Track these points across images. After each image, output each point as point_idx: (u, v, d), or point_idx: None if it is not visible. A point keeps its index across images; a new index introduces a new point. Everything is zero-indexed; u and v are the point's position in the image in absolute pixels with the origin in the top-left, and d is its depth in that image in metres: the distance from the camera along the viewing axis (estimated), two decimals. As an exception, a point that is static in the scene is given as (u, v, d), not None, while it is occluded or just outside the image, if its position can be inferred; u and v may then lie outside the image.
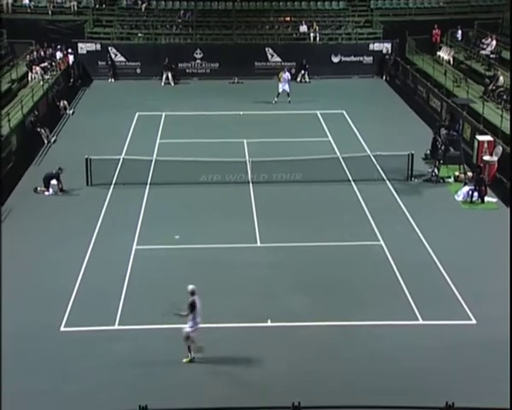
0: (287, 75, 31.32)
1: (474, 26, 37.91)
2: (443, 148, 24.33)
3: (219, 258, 18.22)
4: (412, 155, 23.57)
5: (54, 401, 12.89)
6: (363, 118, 30.73)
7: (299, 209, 21.43)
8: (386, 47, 38.30)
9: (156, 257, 18.19)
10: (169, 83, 36.64)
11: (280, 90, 31.36)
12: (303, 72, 37.11)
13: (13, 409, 12.30)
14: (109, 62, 37.05)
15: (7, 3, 38.52)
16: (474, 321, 15.35)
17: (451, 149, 24.21)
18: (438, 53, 37.33)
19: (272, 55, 38.02)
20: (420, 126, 29.51)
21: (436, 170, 23.87)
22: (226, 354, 14.28)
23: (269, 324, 15.34)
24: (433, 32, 38.20)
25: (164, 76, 36.54)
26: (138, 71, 37.51)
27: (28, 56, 34.34)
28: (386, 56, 37.85)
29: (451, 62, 35.79)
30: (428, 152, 25.33)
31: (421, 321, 15.45)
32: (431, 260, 18.11)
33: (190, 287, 13.63)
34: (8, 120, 25.57)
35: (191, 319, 13.52)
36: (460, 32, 37.85)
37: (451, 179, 23.56)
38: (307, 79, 37.32)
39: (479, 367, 13.88)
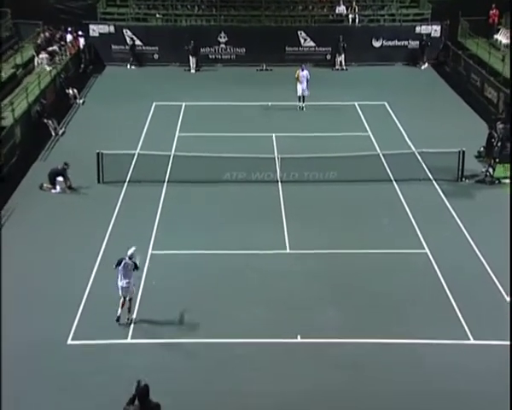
0: (306, 73, 29.72)
1: (538, 6, 37.56)
2: (499, 144, 24.14)
3: (244, 266, 18.37)
4: (463, 152, 23.45)
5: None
6: (408, 110, 30.61)
7: (333, 212, 21.48)
8: (434, 30, 38.04)
9: (174, 263, 18.42)
10: (190, 70, 37.02)
11: (300, 93, 29.85)
12: (341, 56, 37.03)
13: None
14: (130, 46, 37.30)
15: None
16: (532, 342, 15.24)
17: (509, 146, 24.03)
18: (495, 36, 36.98)
19: (305, 40, 38.09)
20: (473, 120, 29.30)
21: (491, 169, 23.70)
22: (251, 373, 14.39)
23: (299, 340, 15.42)
24: (490, 12, 37.78)
25: (191, 61, 36.84)
26: (156, 56, 37.90)
27: (36, 39, 34.88)
28: (424, 39, 37.11)
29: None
30: (482, 149, 25.17)
31: (472, 341, 15.39)
32: (484, 271, 18.00)
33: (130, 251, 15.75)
34: (12, 110, 25.88)
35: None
36: (521, 12, 37.54)
37: (508, 180, 23.40)
38: (344, 66, 37.36)
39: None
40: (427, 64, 37.47)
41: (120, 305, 15.96)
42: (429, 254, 18.92)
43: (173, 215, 21.03)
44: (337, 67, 37.39)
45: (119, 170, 23.28)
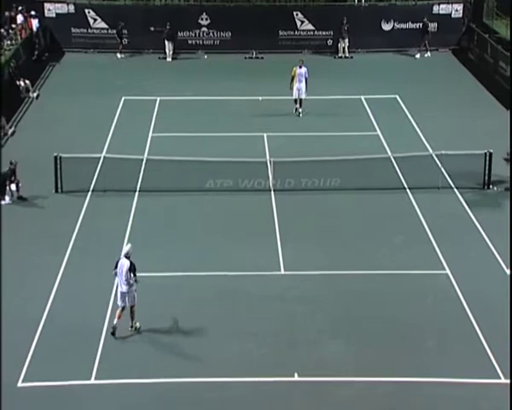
0: (304, 71, 28.71)
1: None
2: (532, 145, 24.28)
3: (231, 290, 18.39)
4: (490, 154, 23.61)
5: None
6: (424, 105, 30.83)
7: (335, 227, 21.55)
8: (455, 9, 38.40)
9: (147, 288, 18.26)
10: (166, 57, 37.14)
11: (295, 95, 28.97)
12: (345, 42, 37.25)
13: None
14: (117, 30, 37.00)
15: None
16: None
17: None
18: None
19: (302, 22, 38.33)
20: (501, 117, 29.44)
21: (523, 175, 23.85)
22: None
23: (296, 378, 15.40)
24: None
25: (167, 48, 37.00)
26: (125, 42, 37.98)
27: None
28: (425, 20, 37.09)
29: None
30: (512, 151, 25.35)
31: (502, 379, 15.41)
32: (515, 296, 18.10)
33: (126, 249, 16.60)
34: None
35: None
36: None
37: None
38: (348, 53, 37.58)
39: None
40: (429, 53, 37.24)
41: (117, 315, 16.53)
42: (450, 275, 18.99)
43: (146, 231, 21.02)
44: (340, 54, 37.64)
45: (80, 177, 23.29)
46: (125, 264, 16.46)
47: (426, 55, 37.32)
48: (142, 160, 24.66)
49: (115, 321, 16.54)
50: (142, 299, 17.34)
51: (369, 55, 37.75)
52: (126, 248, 16.76)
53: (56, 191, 23.19)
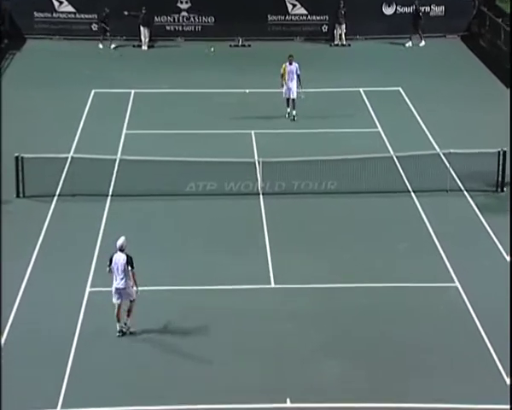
0: (295, 67, 28.32)
1: None
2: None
3: (215, 306, 18.42)
4: (504, 153, 23.76)
5: None
6: (430, 98, 31.01)
7: (331, 234, 21.66)
8: (465, -10, 38.67)
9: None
10: (141, 45, 37.21)
11: (286, 94, 28.61)
12: (342, 28, 37.42)
13: None
14: (102, 17, 36.89)
15: None
16: None
17: None
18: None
19: (294, 6, 38.51)
20: (516, 111, 29.64)
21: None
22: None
23: (288, 405, 15.43)
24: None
25: (143, 34, 37.10)
26: (95, 28, 38.03)
27: None
28: (416, 3, 37.19)
29: None
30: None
31: (519, 404, 15.52)
32: (533, 311, 18.19)
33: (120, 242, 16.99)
34: None
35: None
36: None
37: None
38: (344, 41, 37.76)
39: None
40: (423, 42, 37.40)
41: (116, 316, 17.07)
42: (460, 289, 19.09)
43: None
44: (336, 41, 37.84)
45: (45, 180, 23.29)
46: (120, 258, 16.88)
47: (421, 45, 37.48)
48: (115, 160, 24.69)
49: (118, 326, 17.07)
50: (107, 319, 17.37)
51: (369, 42, 37.98)
52: (120, 240, 17.10)
53: (18, 196, 23.18)
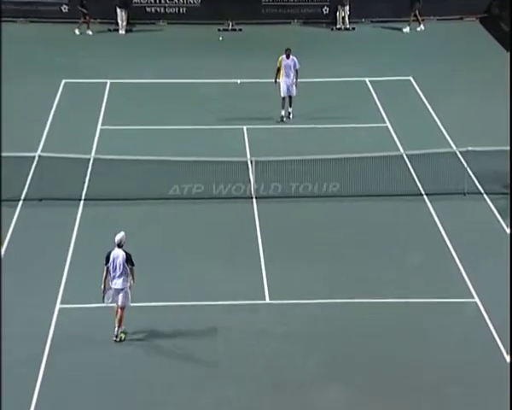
0: (293, 61, 27.84)
1: None
2: None
3: (203, 324, 18.45)
4: (528, 151, 23.90)
5: None
6: (445, 89, 31.13)
7: (333, 243, 21.72)
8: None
9: (95, 322, 18.41)
10: (118, 29, 37.33)
11: (284, 92, 28.11)
12: (345, 10, 37.59)
13: None
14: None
15: None
16: None
17: None
18: None
19: (291, -16, 38.67)
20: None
21: None
22: None
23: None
24: None
25: (120, 17, 37.25)
26: (65, 9, 38.11)
27: None
28: None
29: None
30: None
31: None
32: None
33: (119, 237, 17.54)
34: None
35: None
36: None
37: None
38: (348, 24, 37.92)
39: None
40: (422, 26, 37.63)
41: (115, 318, 17.70)
42: (480, 304, 19.13)
43: (93, 251, 20.78)
44: (339, 25, 37.99)
45: (9, 182, 23.29)
46: (119, 255, 17.46)
47: (418, 29, 37.66)
48: (89, 160, 24.74)
49: (116, 329, 17.61)
50: (89, 338, 17.46)
51: (376, 26, 38.14)
52: (119, 235, 17.64)
53: (-21, 200, 23.18)
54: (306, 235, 22.11)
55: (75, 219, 22.51)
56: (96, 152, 25.73)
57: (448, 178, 24.04)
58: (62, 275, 20.09)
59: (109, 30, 37.43)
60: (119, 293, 17.57)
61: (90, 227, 22.25)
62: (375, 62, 33.57)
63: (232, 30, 37.77)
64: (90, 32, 37.13)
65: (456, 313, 19.01)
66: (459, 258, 20.92)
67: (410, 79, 32.00)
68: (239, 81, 31.70)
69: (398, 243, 21.79)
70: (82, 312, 18.63)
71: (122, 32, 37.37)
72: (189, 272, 20.36)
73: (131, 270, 17.59)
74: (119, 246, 17.53)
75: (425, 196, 23.74)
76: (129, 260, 17.52)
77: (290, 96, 28.30)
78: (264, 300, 19.40)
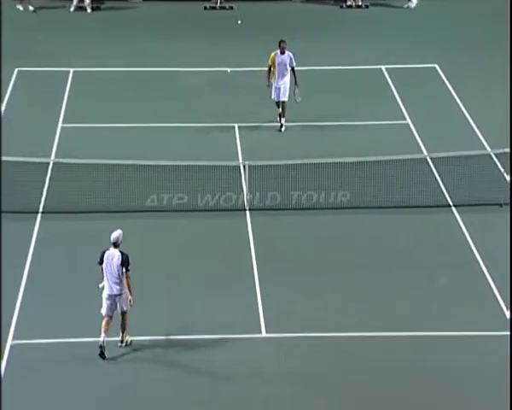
0: (288, 57, 27.36)
1: None
2: None
3: (188, 361, 18.40)
4: None
5: None
6: (478, 79, 31.19)
7: (342, 264, 21.71)
8: None
9: (61, 360, 18.37)
10: (83, 7, 37.33)
11: (275, 96, 27.63)
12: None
13: None
14: None
15: None
16: None
17: None
18: None
19: (292, -48, 38.75)
20: None
21: None
22: None
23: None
24: None
25: None
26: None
27: None
28: None
29: None
30: None
31: None
32: None
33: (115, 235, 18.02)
34: None
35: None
36: None
37: None
38: (360, 1, 38.09)
39: None
40: (414, 1, 38.06)
41: (103, 328, 18.05)
42: (519, 337, 19.18)
43: (53, 274, 21.00)
44: (349, 2, 38.15)
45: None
46: (114, 256, 17.85)
47: (406, 6, 38.08)
48: (48, 164, 24.82)
49: (102, 337, 17.89)
50: (51, 376, 17.46)
51: (392, 4, 38.27)
52: (116, 233, 18.19)
53: None
54: (310, 255, 22.11)
55: (31, 237, 22.48)
56: (57, 155, 25.82)
57: (481, 185, 24.07)
58: (15, 305, 19.98)
59: (70, 9, 37.25)
60: (115, 299, 17.93)
61: (50, 245, 22.22)
62: (393, 47, 33.73)
63: (221, 8, 37.92)
64: (31, 8, 37.22)
65: (492, 349, 18.88)
66: (494, 282, 20.89)
67: (436, 66, 32.16)
68: (229, 70, 31.85)
69: (421, 264, 21.78)
70: (36, 350, 18.60)
71: (88, 10, 37.36)
72: (171, 301, 20.31)
73: (126, 276, 17.90)
74: (116, 245, 17.87)
75: (453, 208, 23.81)
76: (125, 262, 17.84)
77: (283, 102, 27.53)
78: (260, 333, 19.38)
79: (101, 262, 18.03)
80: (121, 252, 17.93)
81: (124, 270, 17.91)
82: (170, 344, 19.00)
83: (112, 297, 17.94)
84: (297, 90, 27.51)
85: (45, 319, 19.50)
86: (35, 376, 17.92)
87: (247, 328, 19.47)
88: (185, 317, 19.81)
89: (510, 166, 24.05)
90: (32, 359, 18.38)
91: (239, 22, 35.82)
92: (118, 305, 18.03)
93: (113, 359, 18.28)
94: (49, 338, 18.88)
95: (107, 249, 18.02)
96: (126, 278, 17.99)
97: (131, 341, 18.45)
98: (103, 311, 18.11)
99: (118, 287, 17.91)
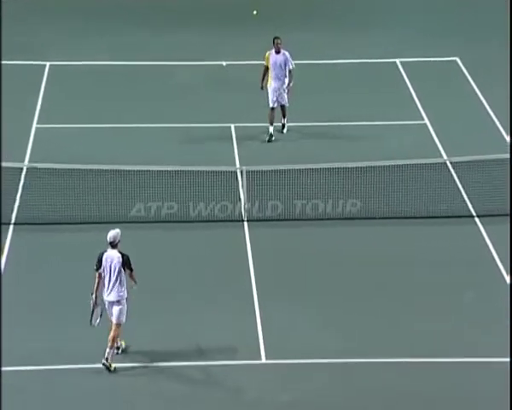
0: (284, 57, 27.61)
1: None
2: None
3: (179, 390, 18.38)
4: None
5: None
6: (503, 74, 31.13)
7: (350, 281, 21.76)
8: None
9: (26, 389, 18.32)
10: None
11: (273, 102, 27.73)
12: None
13: None
14: None
15: None
16: None
17: None
18: None
19: None
20: None
21: None
22: None
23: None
24: None
25: None
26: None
27: None
28: None
29: None
30: None
31: None
32: None
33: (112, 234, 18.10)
34: None
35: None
36: None
37: None
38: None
39: None
40: None
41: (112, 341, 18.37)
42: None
43: (29, 296, 21.02)
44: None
45: None
46: (113, 257, 17.92)
47: None
48: (21, 169, 24.89)
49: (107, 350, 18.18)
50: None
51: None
52: (112, 232, 18.15)
53: None
54: (315, 272, 22.12)
55: (2, 251, 22.46)
56: (31, 159, 25.97)
57: (507, 193, 24.02)
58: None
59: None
60: (113, 306, 18.08)
61: (24, 260, 22.24)
62: (409, 38, 33.76)
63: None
64: None
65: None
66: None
67: (457, 60, 32.26)
68: (224, 63, 31.94)
69: (439, 279, 21.78)
70: (23, 375, 18.61)
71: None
72: (160, 322, 20.23)
73: (131, 275, 18.11)
74: (113, 246, 17.92)
75: (476, 218, 23.86)
76: (127, 263, 17.93)
77: (283, 106, 27.80)
78: (260, 359, 19.34)
79: (98, 267, 18.05)
80: (121, 253, 17.96)
81: (125, 271, 18.01)
82: (156, 371, 18.94)
83: (110, 303, 18.15)
84: (285, 95, 27.55)
85: (23, 341, 19.51)
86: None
87: (245, 353, 19.43)
88: (173, 341, 19.74)
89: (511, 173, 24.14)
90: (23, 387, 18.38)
91: (254, 12, 35.55)
92: (113, 312, 18.11)
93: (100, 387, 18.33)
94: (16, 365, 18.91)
95: (105, 251, 18.02)
96: (131, 276, 18.17)
97: (126, 346, 18.69)
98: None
99: (115, 293, 18.00)
